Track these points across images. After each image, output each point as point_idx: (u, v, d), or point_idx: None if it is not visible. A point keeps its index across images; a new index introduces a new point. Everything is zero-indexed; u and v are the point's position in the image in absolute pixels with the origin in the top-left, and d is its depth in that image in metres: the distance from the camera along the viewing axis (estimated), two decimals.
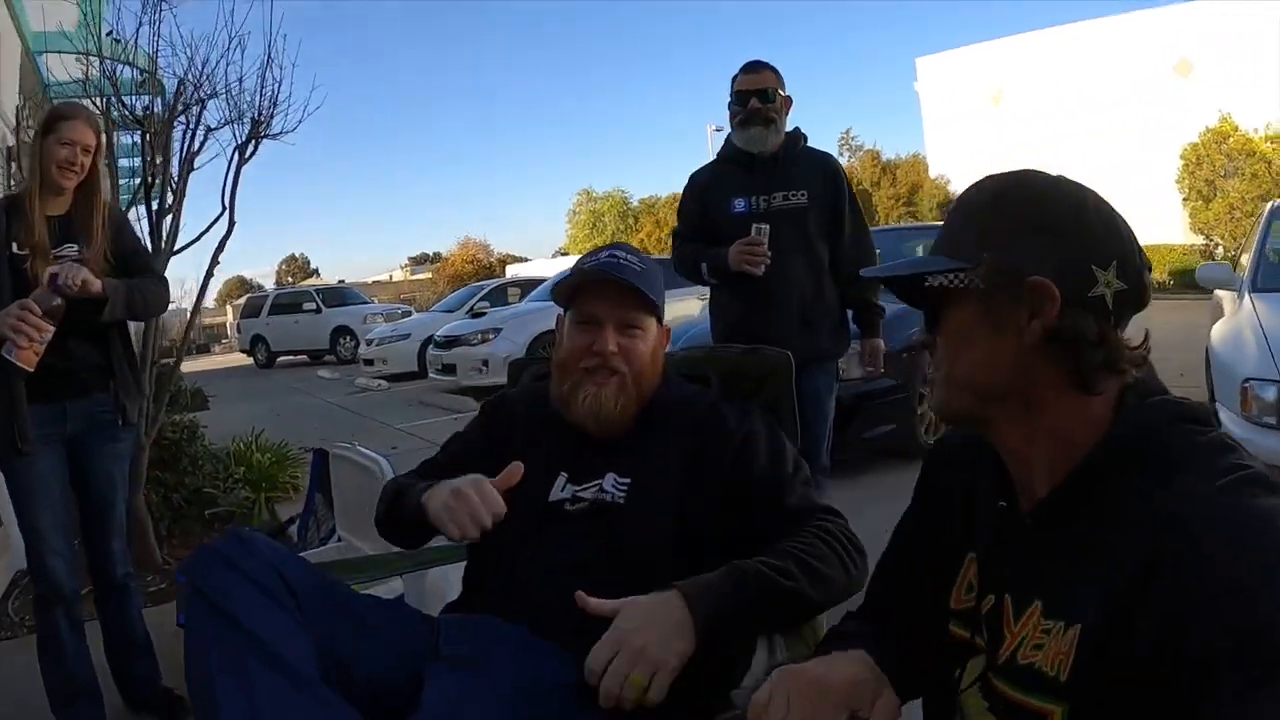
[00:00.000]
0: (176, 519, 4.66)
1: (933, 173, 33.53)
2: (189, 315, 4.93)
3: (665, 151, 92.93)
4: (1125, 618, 0.78)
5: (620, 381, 1.52)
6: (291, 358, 19.79)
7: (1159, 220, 20.27)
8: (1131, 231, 0.92)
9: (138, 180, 4.30)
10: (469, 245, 40.95)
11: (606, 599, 1.29)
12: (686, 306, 8.62)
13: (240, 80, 4.13)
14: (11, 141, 5.16)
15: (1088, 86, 27.06)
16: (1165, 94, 25.12)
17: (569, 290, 1.59)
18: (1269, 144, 21.17)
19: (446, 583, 2.36)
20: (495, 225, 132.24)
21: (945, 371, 0.97)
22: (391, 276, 50.93)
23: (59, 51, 4.79)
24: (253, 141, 4.13)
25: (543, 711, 1.24)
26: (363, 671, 1.26)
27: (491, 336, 10.61)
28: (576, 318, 1.57)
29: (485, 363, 10.39)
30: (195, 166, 4.08)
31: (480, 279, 26.64)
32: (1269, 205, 5.98)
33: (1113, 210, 0.93)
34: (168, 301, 2.76)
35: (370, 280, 43.82)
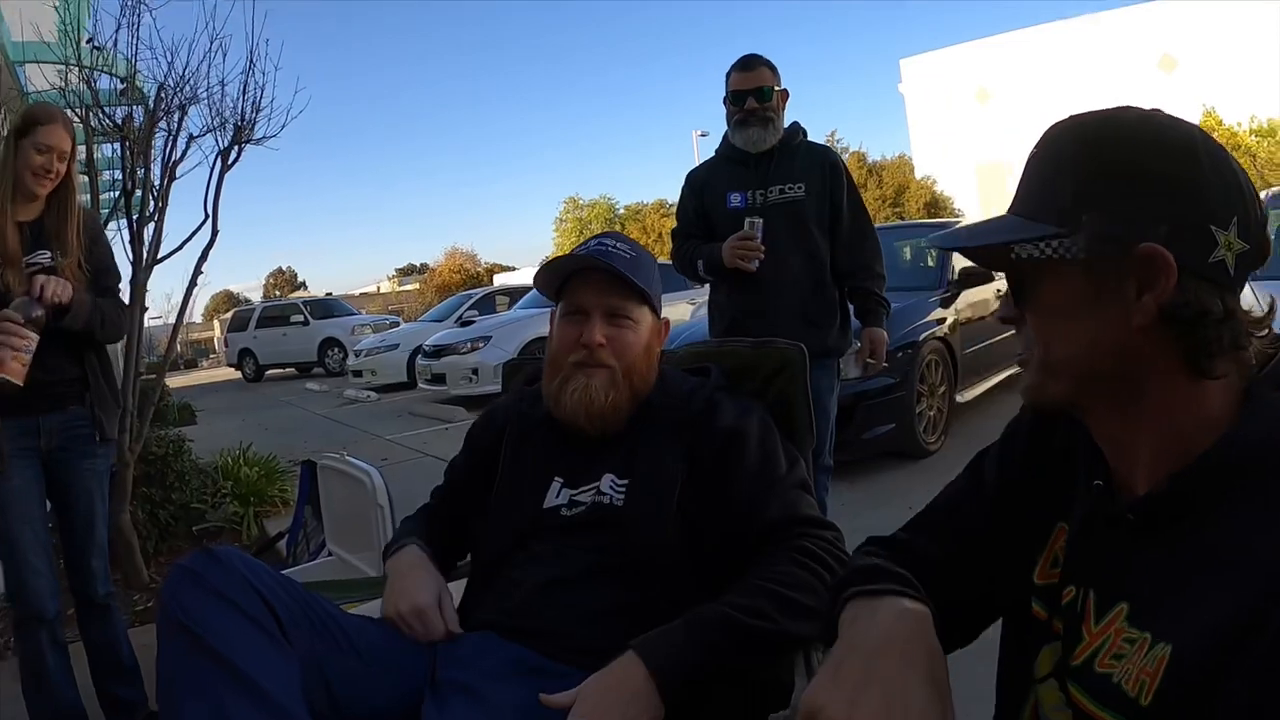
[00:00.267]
0: (164, 536, 4.56)
1: (919, 173, 33.70)
2: (173, 327, 4.82)
3: (651, 158, 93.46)
4: (1233, 655, 0.67)
5: (610, 374, 1.44)
6: (280, 371, 19.64)
7: None
8: (1246, 175, 0.78)
9: (118, 193, 4.20)
10: (456, 255, 40.89)
11: (614, 606, 1.28)
12: (677, 311, 8.53)
13: (222, 85, 4.04)
14: None
15: (1072, 83, 27.29)
16: (1150, 90, 25.35)
17: (557, 281, 1.52)
18: (1254, 137, 21.34)
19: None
20: (482, 235, 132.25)
21: (1040, 354, 0.84)
22: (379, 288, 50.92)
23: (39, 61, 4.71)
24: (235, 147, 4.04)
25: None
26: (354, 696, 1.18)
27: (481, 345, 10.47)
28: (564, 310, 1.51)
29: (475, 371, 10.28)
30: (177, 175, 4.00)
31: (468, 288, 26.59)
32: (1266, 193, 5.96)
33: (1224, 152, 0.78)
34: (124, 331, 2.65)
35: (358, 292, 43.82)
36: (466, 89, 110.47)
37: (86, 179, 3.78)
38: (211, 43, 3.96)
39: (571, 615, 1.30)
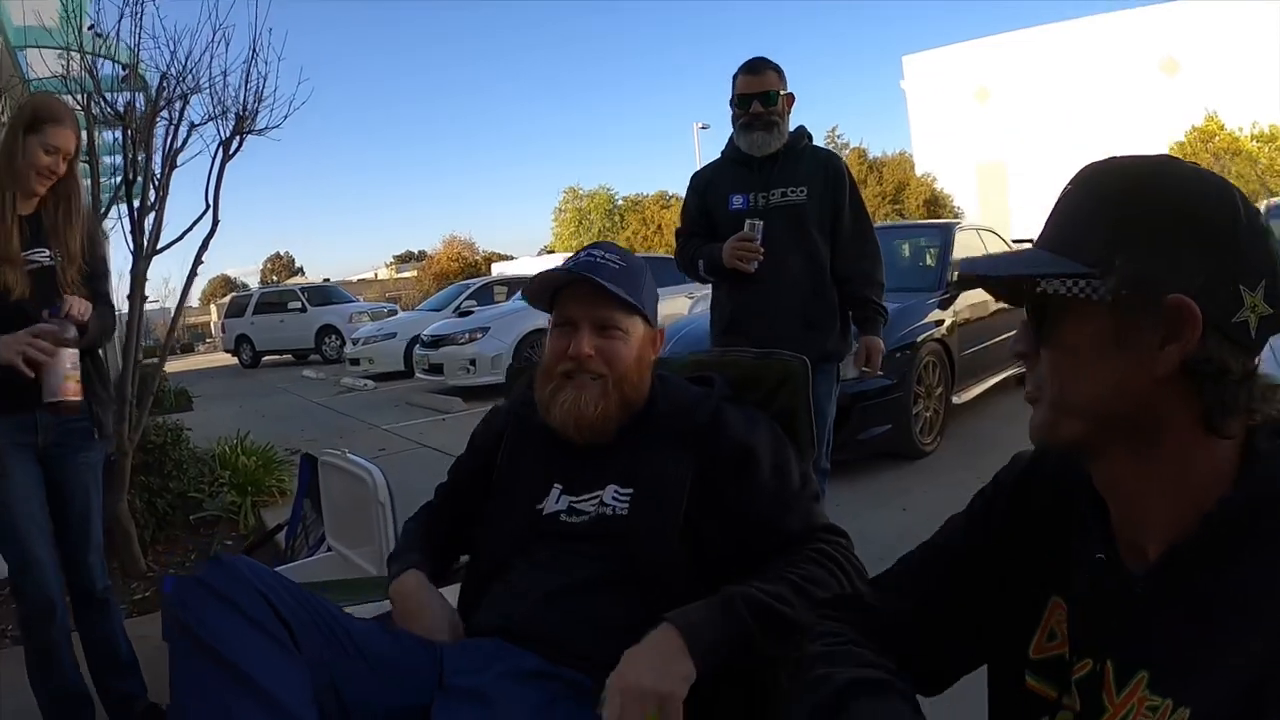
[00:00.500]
0: (161, 525, 4.56)
1: (919, 170, 33.67)
2: (173, 315, 4.82)
3: (652, 150, 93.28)
4: (1253, 714, 0.68)
5: (602, 386, 1.45)
6: (277, 357, 19.62)
7: None
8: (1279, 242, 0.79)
9: (119, 178, 4.19)
10: (454, 243, 40.78)
11: (620, 617, 1.29)
12: (674, 305, 8.53)
13: (224, 75, 4.03)
14: None
15: (1074, 85, 27.26)
16: (1152, 92, 25.34)
17: (548, 293, 1.53)
18: (1255, 143, 21.37)
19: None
20: (480, 223, 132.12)
21: (1054, 394, 0.83)
22: (377, 274, 50.77)
23: (40, 46, 4.68)
24: (237, 137, 4.04)
25: None
26: (363, 702, 1.18)
27: (479, 336, 10.48)
28: (554, 321, 1.52)
29: (473, 362, 10.29)
30: (178, 164, 3.99)
31: (465, 277, 26.55)
32: (1265, 204, 5.97)
33: (1260, 216, 0.78)
34: (114, 334, 2.64)
35: (355, 278, 43.67)
36: (466, 77, 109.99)
37: (87, 165, 3.76)
38: (214, 33, 3.95)
39: (579, 624, 1.31)
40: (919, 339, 5.55)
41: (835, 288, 2.98)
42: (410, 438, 7.69)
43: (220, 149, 4.01)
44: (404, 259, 58.61)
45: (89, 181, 3.90)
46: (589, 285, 1.45)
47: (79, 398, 2.17)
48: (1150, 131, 23.85)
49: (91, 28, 3.98)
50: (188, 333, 31.00)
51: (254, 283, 48.95)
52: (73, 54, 3.85)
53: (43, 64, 4.61)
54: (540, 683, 1.24)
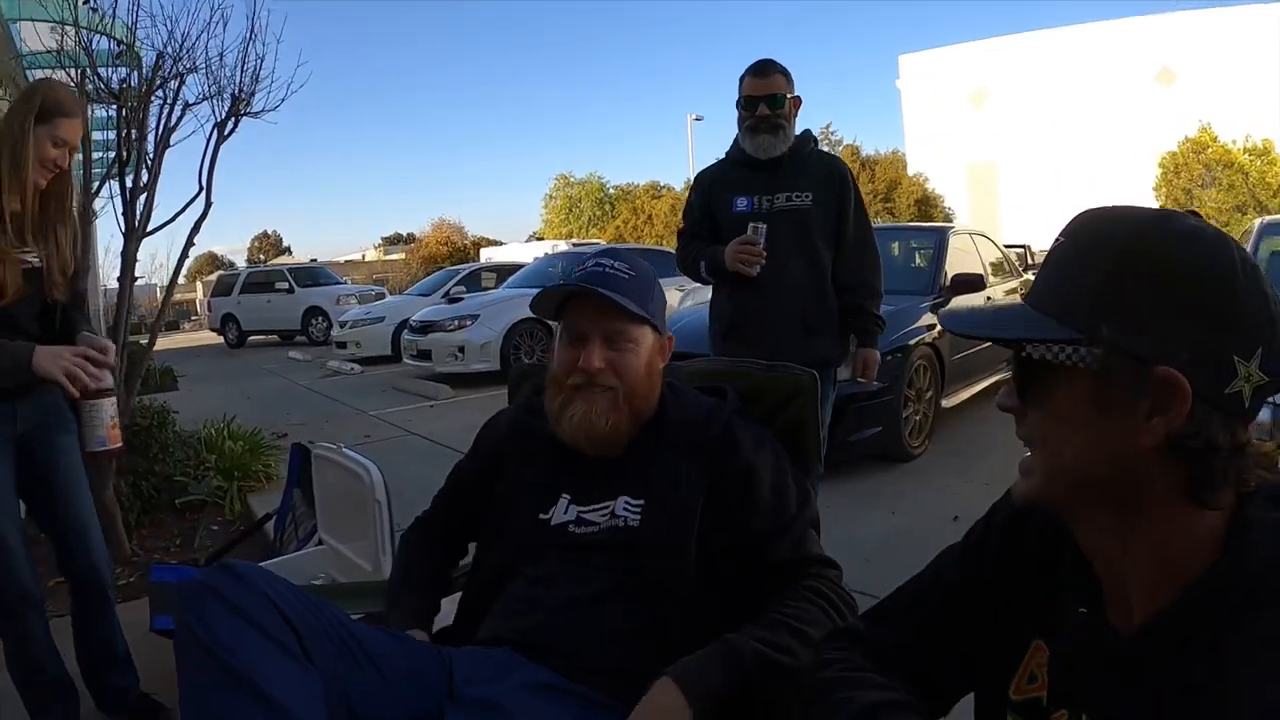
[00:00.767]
0: (146, 509, 4.51)
1: (911, 170, 33.73)
2: (159, 293, 4.76)
3: (645, 140, 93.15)
4: None
5: (612, 398, 1.44)
6: (262, 338, 19.48)
7: None
8: (1278, 303, 0.75)
9: (110, 154, 4.13)
10: (443, 227, 40.64)
11: (630, 629, 1.30)
12: (668, 298, 8.45)
13: (221, 55, 4.00)
14: None
15: (1070, 91, 27.38)
16: (1146, 102, 25.47)
17: (556, 303, 1.51)
18: (1247, 156, 21.53)
19: None
20: (470, 207, 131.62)
21: (1047, 457, 0.82)
22: (364, 256, 50.52)
23: (34, 20, 4.61)
24: (232, 119, 3.99)
25: None
26: (375, 714, 1.17)
27: (468, 323, 10.40)
28: (563, 331, 1.50)
29: (461, 349, 10.23)
30: (171, 143, 3.94)
31: (454, 261, 26.48)
32: (1258, 222, 6.00)
33: (1260, 276, 0.74)
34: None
35: (343, 259, 43.39)
36: (461, 62, 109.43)
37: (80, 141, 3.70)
38: (212, 13, 3.91)
39: (591, 636, 1.31)
40: (911, 342, 5.55)
41: (835, 294, 2.98)
42: (397, 424, 7.64)
43: (215, 130, 3.97)
44: (392, 241, 58.36)
45: (80, 158, 3.82)
46: (599, 298, 1.43)
47: (120, 444, 2.13)
48: (1143, 141, 23.98)
49: (87, 2, 3.92)
50: (173, 309, 30.76)
51: (241, 261, 48.67)
52: (67, 28, 3.80)
53: (36, 38, 4.55)
54: (555, 696, 1.24)
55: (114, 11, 3.77)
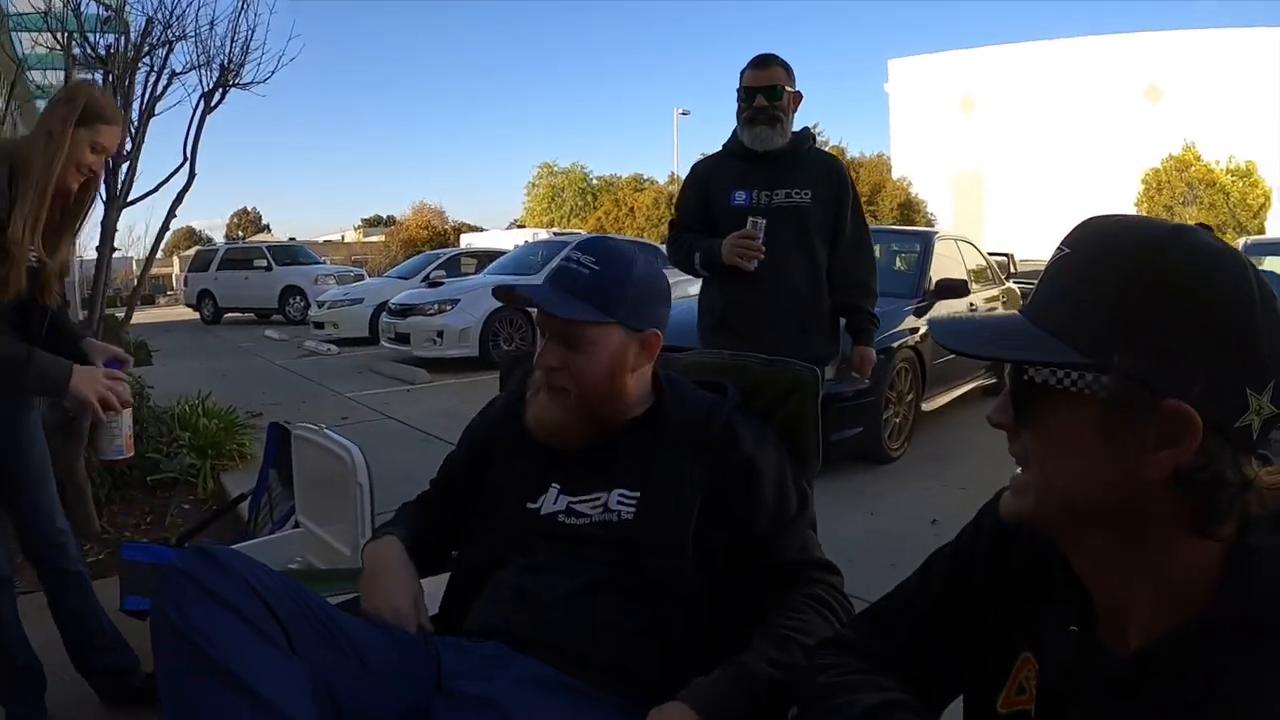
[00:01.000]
0: (117, 485, 4.42)
1: (896, 174, 33.83)
2: (135, 265, 4.69)
3: (630, 133, 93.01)
4: None
5: (564, 399, 1.40)
6: (239, 315, 19.26)
7: None
8: None
9: None
10: (424, 211, 40.28)
11: (625, 623, 1.27)
12: None
13: (212, 24, 3.92)
14: None
15: (1059, 103, 27.61)
16: (1134, 118, 25.69)
17: (518, 301, 1.48)
18: (1230, 176, 21.82)
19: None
20: (451, 193, 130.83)
21: (1041, 479, 0.79)
22: (344, 236, 50.10)
23: None
24: (220, 90, 3.92)
25: None
26: (360, 708, 1.12)
27: (448, 308, 10.34)
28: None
29: (440, 334, 10.16)
30: (156, 113, 3.86)
31: (434, 246, 26.29)
32: (1242, 242, 6.06)
33: (1275, 302, 0.70)
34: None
35: (321, 239, 42.99)
36: (449, 44, 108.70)
37: None
38: None
39: (584, 629, 1.28)
40: (894, 345, 5.56)
41: (829, 293, 2.96)
42: (374, 407, 7.56)
43: (202, 100, 3.89)
44: (372, 223, 57.83)
45: None
46: (542, 306, 1.40)
47: (133, 453, 2.12)
48: (1129, 156, 24.21)
49: None
50: (149, 283, 30.35)
51: (219, 237, 48.15)
52: None
53: None
54: (551, 690, 1.20)
55: None
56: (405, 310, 10.69)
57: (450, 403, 7.57)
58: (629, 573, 1.31)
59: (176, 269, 30.79)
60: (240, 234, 52.81)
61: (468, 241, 25.49)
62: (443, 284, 11.73)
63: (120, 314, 4.78)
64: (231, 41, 3.92)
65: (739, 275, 2.80)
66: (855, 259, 2.97)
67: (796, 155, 2.90)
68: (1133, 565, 0.76)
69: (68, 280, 2.32)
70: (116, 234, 3.83)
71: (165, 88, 3.81)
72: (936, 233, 7.31)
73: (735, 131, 2.96)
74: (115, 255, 4.00)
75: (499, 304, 8.55)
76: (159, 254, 4.45)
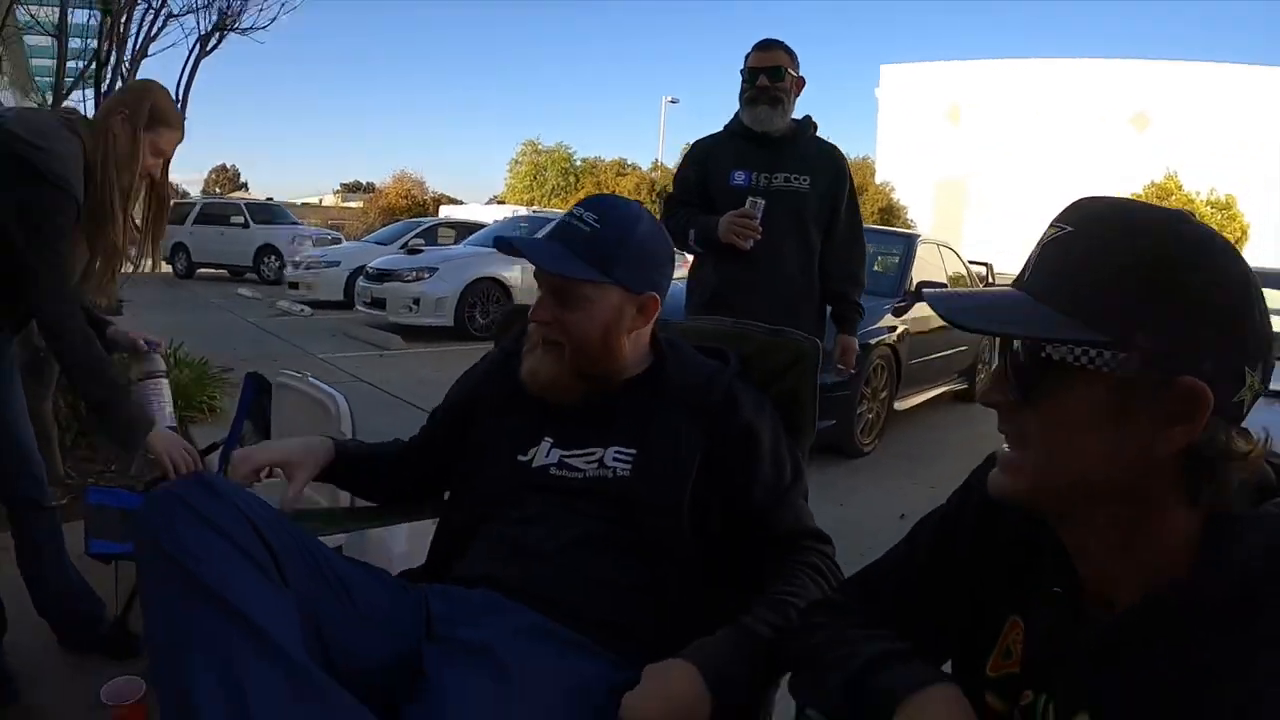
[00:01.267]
0: (83, 431, 4.34)
1: (878, 178, 33.99)
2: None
3: (616, 117, 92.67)
4: None
5: (557, 354, 1.39)
6: (212, 271, 18.95)
7: None
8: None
9: (84, 63, 3.96)
10: (404, 179, 39.86)
11: (618, 578, 1.28)
12: None
13: None
14: None
15: (1047, 122, 27.83)
16: (1120, 143, 25.94)
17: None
18: (1209, 208, 22.15)
19: (392, 537, 2.22)
20: (432, 163, 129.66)
21: (1038, 459, 0.79)
22: (322, 200, 49.57)
23: None
24: (218, 34, 3.85)
25: (586, 713, 1.11)
26: (347, 648, 1.10)
27: (426, 275, 10.27)
28: None
29: (416, 301, 10.10)
30: (150, 54, 3.80)
31: (413, 215, 26.02)
32: None
33: (1260, 290, 0.75)
34: None
35: (299, 202, 42.45)
36: (440, 16, 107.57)
37: (55, 41, 3.54)
38: None
39: (577, 582, 1.27)
40: (872, 341, 5.61)
41: (819, 280, 2.99)
42: (346, 370, 7.49)
43: (198, 44, 3.83)
44: (351, 188, 57.21)
45: (54, 61, 3.66)
46: (539, 262, 1.39)
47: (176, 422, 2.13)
48: (1113, 180, 24.48)
49: None
50: None
51: (196, 191, 47.20)
52: None
53: None
54: (546, 639, 1.19)
55: None
56: (383, 275, 10.61)
57: (423, 370, 7.52)
58: (624, 530, 1.31)
59: None
60: (218, 190, 51.98)
61: (447, 214, 25.26)
62: (422, 252, 11.64)
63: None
64: None
65: (734, 254, 2.81)
66: (848, 249, 3.00)
67: (797, 141, 2.92)
68: (1127, 538, 0.78)
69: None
70: None
71: (161, 29, 3.74)
72: (919, 236, 7.37)
73: (737, 113, 2.97)
74: None
75: (477, 275, 8.57)
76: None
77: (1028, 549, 0.91)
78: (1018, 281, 0.81)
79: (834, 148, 3.07)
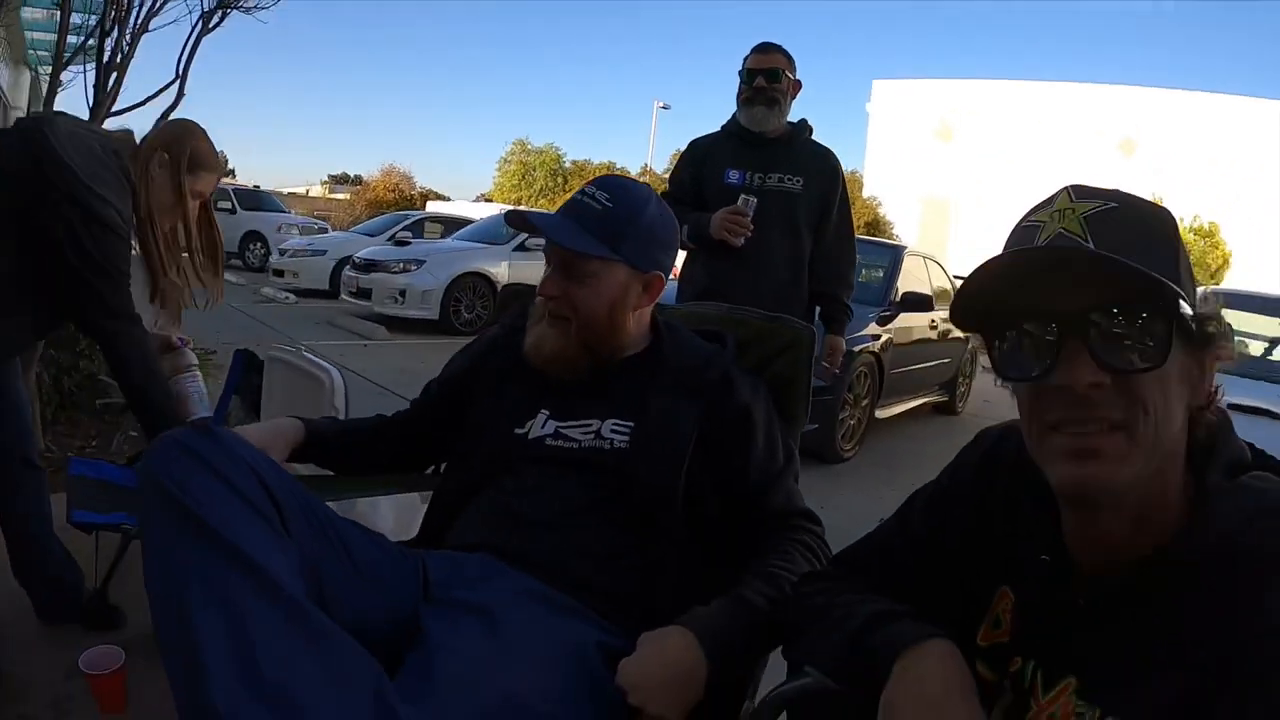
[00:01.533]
0: (64, 405, 4.31)
1: (866, 192, 34.07)
2: None
3: (607, 120, 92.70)
4: None
5: (563, 328, 1.42)
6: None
7: None
8: None
9: (83, 38, 3.94)
10: (392, 173, 39.59)
11: (614, 548, 1.30)
12: None
13: None
14: None
15: (1035, 144, 28.02)
16: (1107, 168, 26.15)
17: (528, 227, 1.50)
18: (1193, 235, 22.39)
19: (376, 512, 2.23)
20: (421, 158, 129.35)
21: (1147, 431, 0.76)
22: (309, 191, 49.09)
23: None
24: (220, 11, 3.85)
25: (582, 674, 1.12)
26: (345, 604, 1.09)
27: (413, 267, 10.24)
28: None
29: (402, 293, 10.07)
30: (151, 28, 3.79)
31: (400, 209, 25.88)
32: (1199, 292, 6.25)
33: None
34: None
35: (286, 191, 42.06)
36: (435, 8, 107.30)
37: (59, 14, 3.53)
38: None
39: (573, 551, 1.29)
40: (856, 349, 5.65)
41: (808, 280, 3.02)
42: (330, 358, 7.46)
43: (200, 20, 3.83)
44: (339, 180, 56.84)
45: (54, 35, 3.64)
46: (549, 234, 1.42)
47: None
48: None
49: None
50: None
51: None
52: None
53: None
54: (545, 603, 1.20)
55: None
56: (369, 265, 10.58)
57: (407, 361, 7.50)
58: (619, 504, 1.33)
59: None
60: None
61: (434, 209, 25.15)
62: (409, 244, 11.61)
63: None
64: None
65: (725, 251, 2.85)
66: (838, 250, 3.04)
67: (793, 143, 2.97)
68: (1142, 510, 0.80)
69: None
70: None
71: (163, 3, 3.73)
72: (906, 248, 7.44)
73: (735, 114, 3.01)
74: None
75: (464, 270, 8.53)
76: None
77: (1017, 519, 0.93)
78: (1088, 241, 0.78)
79: (828, 151, 3.11)
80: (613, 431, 1.39)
